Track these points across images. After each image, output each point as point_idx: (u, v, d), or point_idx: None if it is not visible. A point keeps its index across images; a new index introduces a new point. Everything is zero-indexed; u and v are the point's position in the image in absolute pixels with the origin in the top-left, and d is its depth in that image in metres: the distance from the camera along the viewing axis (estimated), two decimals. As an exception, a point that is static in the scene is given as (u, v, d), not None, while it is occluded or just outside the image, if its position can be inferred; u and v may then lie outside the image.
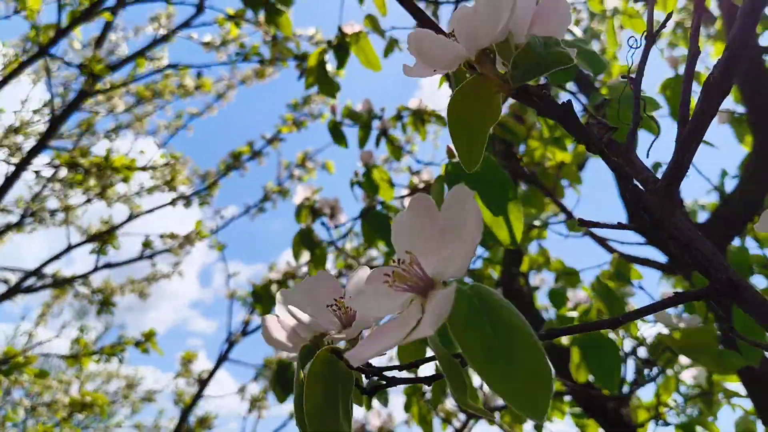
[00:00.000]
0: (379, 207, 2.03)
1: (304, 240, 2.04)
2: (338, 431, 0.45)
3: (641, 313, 0.45)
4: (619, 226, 0.44)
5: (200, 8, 4.02)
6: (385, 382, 0.47)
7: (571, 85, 2.02)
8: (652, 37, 0.46)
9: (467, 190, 0.36)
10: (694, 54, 0.43)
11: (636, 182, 0.45)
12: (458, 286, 0.36)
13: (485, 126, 0.44)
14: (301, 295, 0.51)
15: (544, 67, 0.40)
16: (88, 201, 3.91)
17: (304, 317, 0.49)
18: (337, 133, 2.29)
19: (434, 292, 0.38)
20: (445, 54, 0.43)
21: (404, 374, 0.48)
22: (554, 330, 0.42)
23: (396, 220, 0.42)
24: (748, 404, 1.96)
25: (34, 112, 3.87)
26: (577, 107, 2.36)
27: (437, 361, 0.39)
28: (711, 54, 2.42)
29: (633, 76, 0.48)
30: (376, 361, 0.48)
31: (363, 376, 0.47)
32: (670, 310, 1.68)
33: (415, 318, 0.38)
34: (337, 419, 0.44)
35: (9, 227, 3.95)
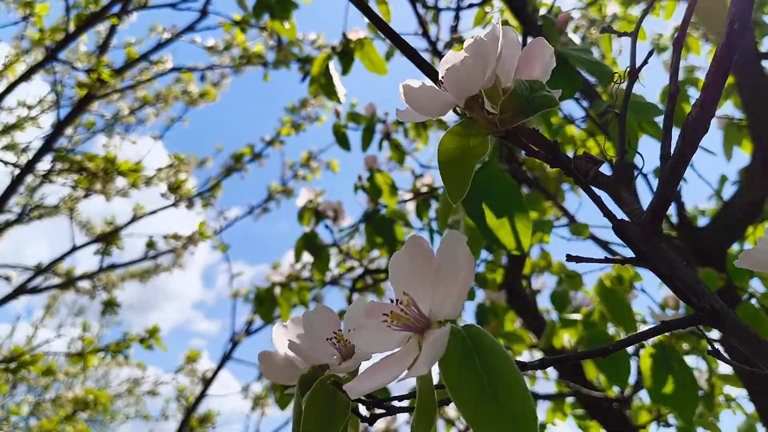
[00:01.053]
0: (382, 210, 2.05)
1: (308, 244, 2.05)
2: None
3: (630, 341, 0.47)
4: (607, 260, 0.46)
5: (204, 13, 4.04)
6: (384, 411, 0.49)
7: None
8: (634, 73, 0.48)
9: (459, 236, 0.38)
10: (673, 93, 0.45)
11: (623, 215, 0.47)
12: (452, 326, 0.38)
13: (473, 163, 0.46)
14: (299, 328, 0.53)
15: (531, 111, 0.42)
16: (87, 196, 3.92)
17: (304, 350, 0.50)
18: (340, 137, 2.30)
19: (431, 330, 0.40)
20: (435, 102, 0.45)
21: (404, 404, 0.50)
22: (546, 360, 0.44)
23: (393, 261, 0.44)
24: (748, 407, 1.98)
25: (30, 112, 3.88)
26: (580, 113, 2.36)
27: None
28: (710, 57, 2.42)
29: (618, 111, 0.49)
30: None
31: (361, 404, 0.49)
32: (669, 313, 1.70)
33: (412, 355, 0.40)
34: None
35: (8, 224, 3.96)
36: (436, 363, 0.37)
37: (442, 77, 0.44)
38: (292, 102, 4.93)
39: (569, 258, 0.45)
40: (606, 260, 0.46)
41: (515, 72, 0.46)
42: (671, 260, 0.45)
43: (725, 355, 0.54)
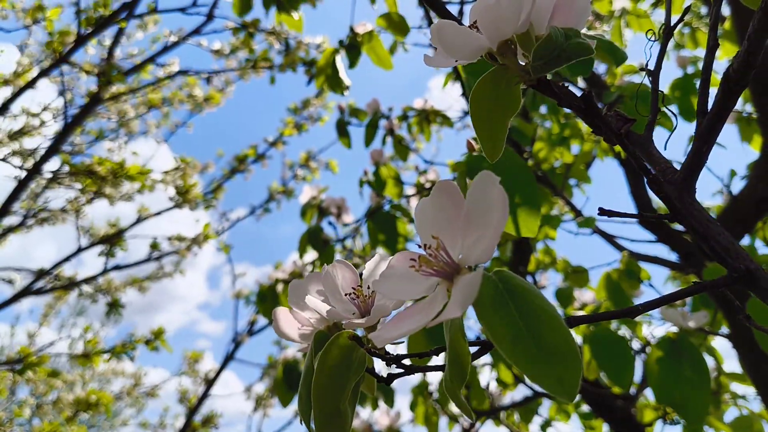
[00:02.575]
0: (386, 207, 2.03)
1: (313, 239, 2.04)
2: (342, 410, 0.45)
3: (660, 302, 0.45)
4: (640, 216, 0.45)
5: (210, 17, 4.04)
6: (402, 370, 0.47)
7: (581, 84, 2.02)
8: (669, 31, 0.47)
9: (493, 176, 0.37)
10: (712, 46, 0.44)
11: (654, 173, 0.46)
12: (484, 271, 0.36)
13: (506, 116, 0.45)
14: (317, 284, 0.51)
15: (565, 58, 0.41)
16: (91, 200, 3.92)
17: (321, 306, 0.49)
18: (343, 132, 2.29)
19: (460, 276, 0.39)
20: (468, 44, 0.43)
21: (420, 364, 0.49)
22: (573, 318, 0.42)
23: (419, 206, 0.42)
24: (755, 406, 1.96)
25: (38, 116, 3.88)
26: (598, 106, 2.36)
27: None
28: (718, 56, 2.41)
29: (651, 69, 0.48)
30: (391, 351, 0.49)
31: (377, 363, 0.47)
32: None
33: (441, 302, 0.38)
34: (343, 401, 0.45)
35: (10, 229, 3.96)
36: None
37: (475, 21, 0.43)
38: (294, 103, 4.94)
39: (601, 212, 0.44)
40: (639, 215, 0.44)
41: (549, 20, 0.44)
42: (705, 219, 0.44)
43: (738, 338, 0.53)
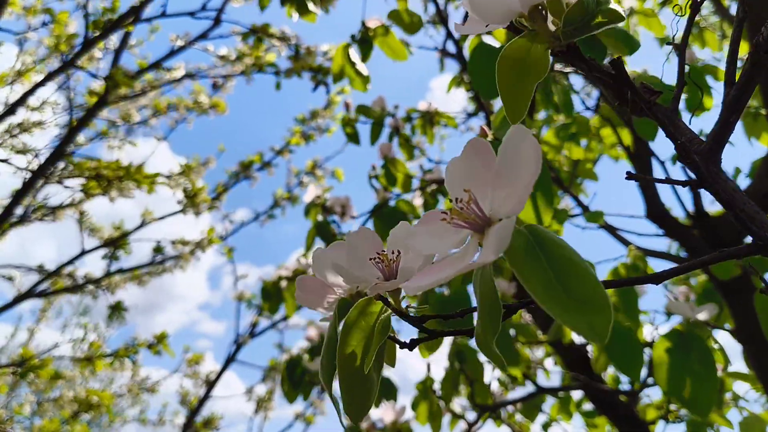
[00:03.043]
0: (392, 203, 2.04)
1: (321, 231, 2.04)
2: (368, 376, 0.46)
3: (685, 269, 0.45)
4: (668, 180, 0.45)
5: (217, 21, 4.05)
6: (426, 335, 0.48)
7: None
8: (697, 4, 0.47)
9: (525, 130, 0.37)
10: (741, 19, 0.44)
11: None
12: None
13: (532, 82, 0.45)
14: (341, 251, 0.52)
15: (595, 25, 0.41)
16: (90, 197, 3.92)
17: (346, 272, 0.49)
18: (350, 129, 2.30)
19: (491, 228, 0.39)
20: (499, 7, 0.43)
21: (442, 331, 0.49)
22: (605, 282, 0.43)
23: (450, 164, 0.42)
24: (755, 408, 1.96)
25: (42, 117, 3.89)
26: (593, 102, 2.35)
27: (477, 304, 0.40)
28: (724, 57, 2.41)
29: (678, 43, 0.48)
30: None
31: (405, 320, 0.47)
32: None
33: (472, 253, 0.39)
34: (369, 366, 0.45)
35: (11, 224, 3.96)
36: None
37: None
38: (303, 113, 4.96)
39: (630, 176, 0.44)
40: (668, 180, 0.45)
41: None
42: (731, 188, 0.44)
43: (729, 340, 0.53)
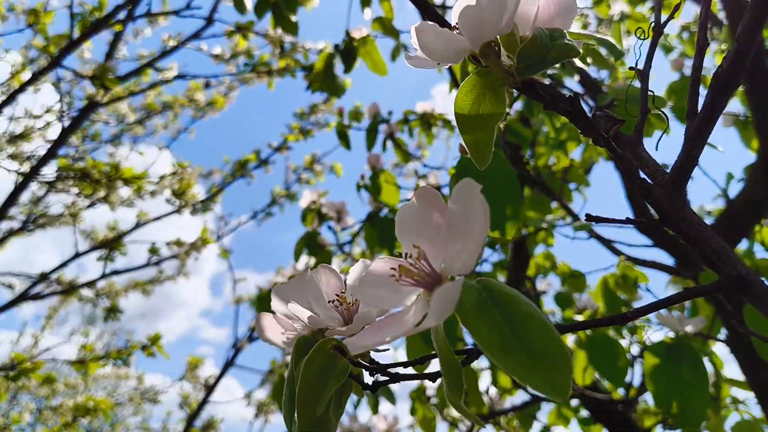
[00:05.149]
0: (385, 211, 2.03)
1: (309, 243, 2.03)
2: (325, 418, 0.45)
3: (650, 308, 0.44)
4: (628, 221, 0.44)
5: (210, 20, 4.04)
6: (388, 378, 0.46)
7: (577, 87, 2.02)
8: (659, 29, 0.46)
9: (474, 185, 0.35)
10: (702, 47, 0.43)
11: (644, 176, 0.45)
12: (465, 280, 0.36)
13: (492, 122, 0.44)
14: (300, 290, 0.51)
15: (551, 60, 0.40)
16: (92, 205, 3.92)
17: (303, 313, 0.48)
18: (342, 136, 2.29)
19: (436, 291, 0.37)
20: (449, 47, 0.42)
21: (409, 371, 0.48)
22: (561, 326, 0.42)
23: (401, 213, 0.41)
24: (756, 412, 1.94)
25: (37, 116, 3.87)
26: (584, 109, 2.35)
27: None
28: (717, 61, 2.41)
29: (641, 69, 0.47)
30: (380, 359, 0.48)
31: (366, 372, 0.46)
32: (673, 313, 1.67)
33: (421, 312, 0.37)
34: (326, 408, 0.44)
35: (11, 232, 3.96)
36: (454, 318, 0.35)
37: (457, 22, 0.42)
38: (301, 108, 4.93)
39: (588, 218, 0.43)
40: (627, 221, 0.44)
41: (534, 21, 0.43)
42: (696, 223, 0.43)
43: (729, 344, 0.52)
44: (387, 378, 0.46)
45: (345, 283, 0.50)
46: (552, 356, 0.33)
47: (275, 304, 0.51)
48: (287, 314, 0.51)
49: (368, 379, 0.49)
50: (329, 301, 0.49)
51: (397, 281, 0.39)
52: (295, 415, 0.46)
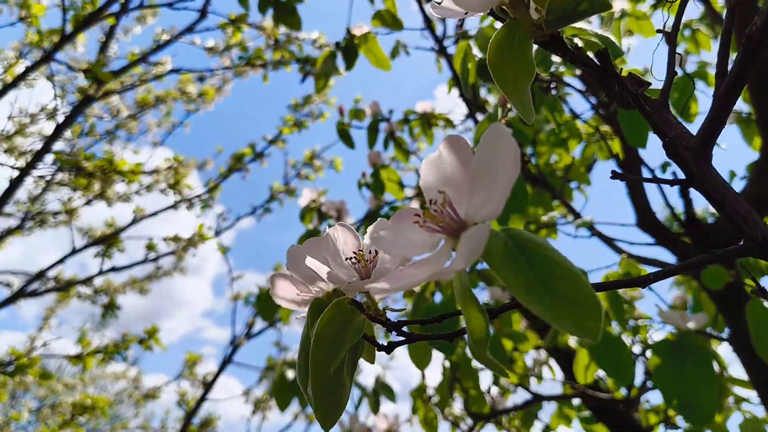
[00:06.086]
0: (385, 209, 2.02)
1: (309, 241, 2.02)
2: (339, 379, 0.44)
3: (672, 272, 0.44)
4: (655, 179, 0.43)
5: (203, 13, 4.02)
6: (403, 339, 0.46)
7: (579, 85, 2.02)
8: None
9: (504, 129, 0.35)
10: (733, 6, 0.43)
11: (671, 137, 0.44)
12: (491, 228, 0.35)
13: (525, 81, 0.43)
14: (317, 248, 0.50)
15: (581, 13, 0.39)
16: (89, 202, 3.91)
17: (321, 269, 0.47)
18: (344, 135, 2.28)
19: (465, 233, 0.37)
20: (480, -6, 0.41)
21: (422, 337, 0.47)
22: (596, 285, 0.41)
23: (427, 162, 0.40)
24: (759, 412, 1.94)
25: (33, 115, 3.87)
26: (586, 106, 2.34)
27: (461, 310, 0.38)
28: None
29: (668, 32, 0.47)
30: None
31: (381, 325, 0.46)
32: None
33: (445, 259, 0.37)
34: (341, 369, 0.44)
35: (9, 231, 3.94)
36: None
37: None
38: (295, 99, 4.92)
39: (614, 175, 0.42)
40: (654, 179, 0.43)
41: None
42: (722, 186, 0.43)
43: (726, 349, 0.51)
44: (402, 339, 0.46)
45: (362, 241, 0.49)
46: (577, 300, 0.33)
47: (291, 264, 0.50)
48: (303, 275, 0.50)
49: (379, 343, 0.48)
50: (347, 259, 0.48)
51: (420, 227, 0.38)
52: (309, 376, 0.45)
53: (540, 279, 0.33)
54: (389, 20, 1.90)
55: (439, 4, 0.44)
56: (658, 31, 0.47)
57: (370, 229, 0.46)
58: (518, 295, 0.33)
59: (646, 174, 2.10)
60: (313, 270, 0.48)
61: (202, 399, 5.01)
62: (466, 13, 0.43)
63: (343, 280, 0.47)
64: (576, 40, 0.93)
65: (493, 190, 0.35)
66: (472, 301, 0.36)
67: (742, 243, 0.43)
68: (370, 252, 0.47)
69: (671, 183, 0.42)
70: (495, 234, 0.36)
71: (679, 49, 2.54)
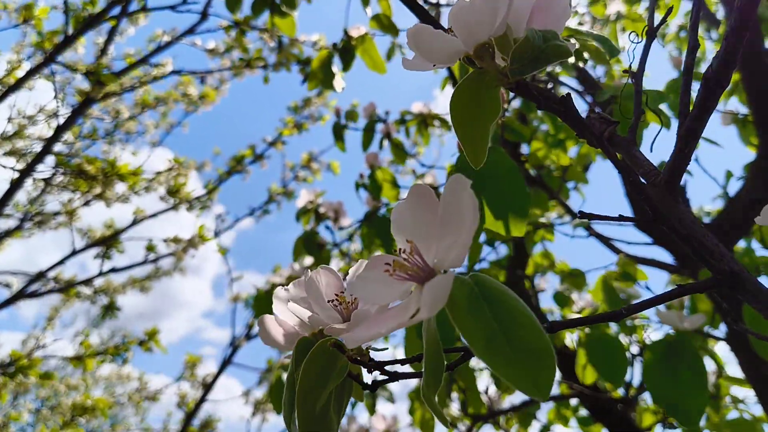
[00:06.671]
0: (383, 211, 2.03)
1: (307, 243, 2.03)
2: (325, 417, 0.45)
3: (644, 305, 0.45)
4: (621, 218, 0.44)
5: (204, 15, 4.02)
6: (387, 377, 0.47)
7: (576, 85, 2.02)
8: (652, 32, 0.46)
9: (464, 180, 0.36)
10: (693, 47, 0.43)
11: (638, 176, 0.45)
12: (457, 275, 0.36)
13: (487, 121, 0.44)
14: (301, 291, 0.51)
15: (543, 60, 0.40)
16: (87, 203, 3.92)
17: (304, 313, 0.49)
18: (339, 136, 2.28)
19: (428, 283, 0.38)
20: (443, 48, 0.42)
21: (408, 370, 0.48)
22: (557, 323, 0.42)
23: (396, 210, 0.42)
24: (756, 410, 1.95)
25: (32, 117, 3.87)
26: (583, 106, 2.36)
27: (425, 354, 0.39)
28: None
29: (634, 71, 0.47)
30: (379, 359, 0.48)
31: (364, 371, 0.47)
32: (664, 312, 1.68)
33: (415, 306, 0.38)
34: (326, 407, 0.45)
35: (8, 233, 3.95)
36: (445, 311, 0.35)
37: (451, 24, 0.42)
38: (295, 101, 4.91)
39: (582, 215, 0.43)
40: (620, 218, 0.44)
41: (527, 22, 0.44)
42: (689, 221, 0.44)
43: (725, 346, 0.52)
44: (386, 377, 0.47)
45: (344, 282, 0.50)
46: (536, 354, 0.33)
47: (276, 306, 0.52)
48: (288, 316, 0.51)
49: (367, 379, 0.49)
50: (329, 301, 0.49)
51: (391, 276, 0.40)
52: (295, 414, 0.46)
53: (503, 329, 0.34)
54: (386, 24, 1.90)
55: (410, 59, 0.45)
56: (624, 70, 0.48)
57: (350, 272, 0.47)
58: (476, 348, 0.34)
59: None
60: (296, 312, 0.49)
61: (202, 400, 5.03)
62: (434, 66, 0.44)
63: (325, 323, 0.48)
64: (573, 40, 0.93)
65: (457, 237, 0.37)
66: (436, 349, 0.37)
67: (711, 276, 0.44)
68: (351, 294, 0.48)
69: (635, 221, 0.43)
70: (461, 281, 0.37)
71: (675, 51, 2.55)
